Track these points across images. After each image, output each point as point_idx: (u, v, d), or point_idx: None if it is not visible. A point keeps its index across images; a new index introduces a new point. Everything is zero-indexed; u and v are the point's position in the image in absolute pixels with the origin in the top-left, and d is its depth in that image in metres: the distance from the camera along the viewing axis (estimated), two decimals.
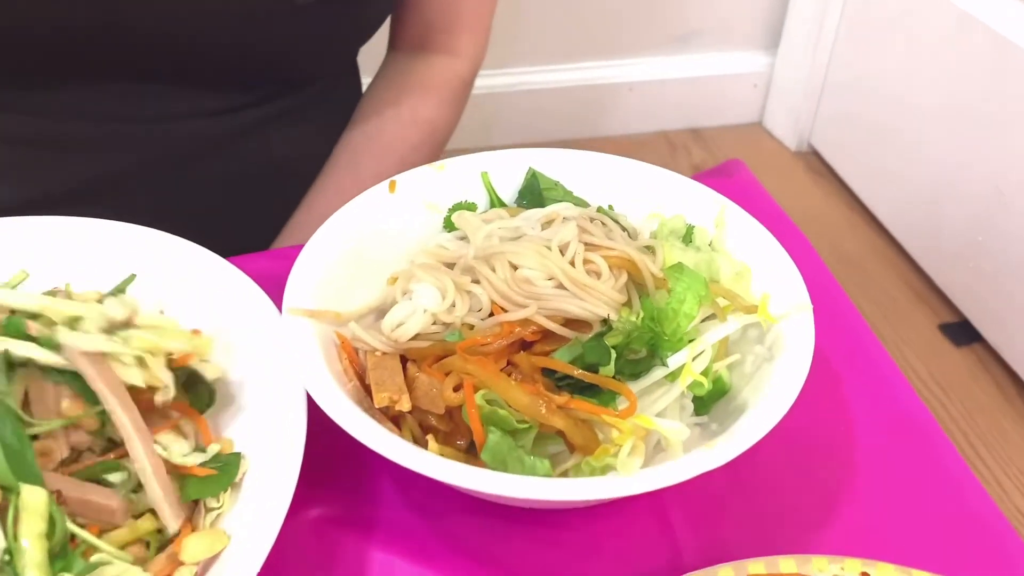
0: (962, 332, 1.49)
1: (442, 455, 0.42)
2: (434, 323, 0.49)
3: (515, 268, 0.48)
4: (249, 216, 0.75)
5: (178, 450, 0.45)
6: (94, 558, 0.39)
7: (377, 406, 0.45)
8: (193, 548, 0.40)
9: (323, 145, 0.77)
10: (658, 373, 0.46)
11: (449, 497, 0.47)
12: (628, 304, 0.48)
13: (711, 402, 0.49)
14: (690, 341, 0.47)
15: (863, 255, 1.66)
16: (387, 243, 0.56)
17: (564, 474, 0.44)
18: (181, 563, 0.40)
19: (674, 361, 0.46)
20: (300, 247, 0.51)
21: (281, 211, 0.76)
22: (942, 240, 1.53)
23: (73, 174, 0.68)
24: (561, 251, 0.48)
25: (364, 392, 0.47)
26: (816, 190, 1.83)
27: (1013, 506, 1.25)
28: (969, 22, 1.43)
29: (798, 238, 0.65)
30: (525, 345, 0.47)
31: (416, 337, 0.48)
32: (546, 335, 0.47)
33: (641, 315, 0.46)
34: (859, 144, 1.77)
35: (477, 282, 0.49)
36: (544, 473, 0.42)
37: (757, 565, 0.39)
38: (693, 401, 0.48)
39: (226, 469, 0.45)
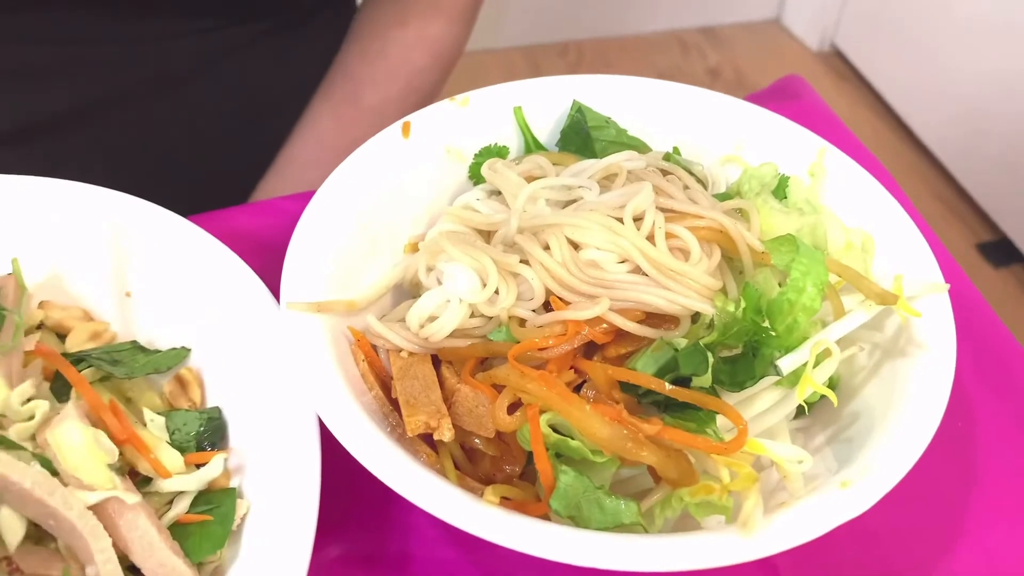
0: (1002, 251, 1.40)
1: (500, 498, 0.33)
2: (472, 315, 0.39)
3: (576, 247, 0.38)
4: (227, 156, 0.64)
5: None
6: None
7: (410, 434, 0.35)
8: None
9: (313, 71, 0.66)
10: (765, 380, 0.36)
11: None
12: (722, 289, 0.38)
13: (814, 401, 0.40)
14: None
15: (890, 167, 1.53)
16: (401, 203, 0.46)
17: (649, 513, 0.35)
18: None
19: (787, 364, 0.36)
20: (289, 198, 0.40)
21: (264, 150, 0.65)
22: (983, 150, 1.42)
23: (40, 105, 0.61)
24: (636, 222, 0.38)
25: (389, 405, 0.38)
26: (839, 95, 1.69)
27: None
28: None
29: (890, 185, 0.54)
30: (591, 346, 0.37)
31: (451, 334, 0.38)
32: (620, 334, 0.37)
33: (742, 305, 0.36)
34: (890, 42, 1.62)
35: (525, 262, 0.38)
36: (631, 519, 0.33)
37: None
38: None
39: (219, 513, 0.35)
